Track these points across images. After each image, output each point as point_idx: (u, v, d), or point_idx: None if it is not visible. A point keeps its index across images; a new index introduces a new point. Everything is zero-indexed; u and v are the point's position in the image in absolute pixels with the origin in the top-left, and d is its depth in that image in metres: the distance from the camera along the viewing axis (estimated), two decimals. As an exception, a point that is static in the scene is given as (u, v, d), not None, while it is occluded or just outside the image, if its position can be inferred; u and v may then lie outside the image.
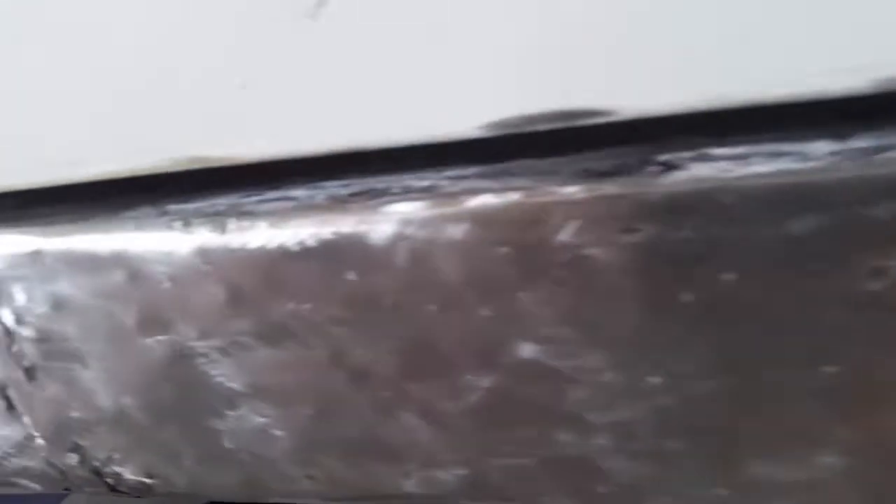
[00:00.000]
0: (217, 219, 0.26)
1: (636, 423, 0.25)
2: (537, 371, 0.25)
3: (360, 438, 0.28)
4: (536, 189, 0.23)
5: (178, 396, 0.29)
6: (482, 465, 0.28)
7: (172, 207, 0.27)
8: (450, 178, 0.24)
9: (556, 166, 0.23)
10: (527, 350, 0.25)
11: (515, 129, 0.22)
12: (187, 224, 0.26)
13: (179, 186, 0.27)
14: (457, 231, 0.24)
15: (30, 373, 0.30)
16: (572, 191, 0.22)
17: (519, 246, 0.23)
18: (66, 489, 0.36)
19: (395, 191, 0.25)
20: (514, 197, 0.23)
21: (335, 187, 0.25)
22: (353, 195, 0.25)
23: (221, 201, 0.26)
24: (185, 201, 0.27)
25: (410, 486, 0.29)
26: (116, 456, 0.32)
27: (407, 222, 0.24)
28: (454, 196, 0.24)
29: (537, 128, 0.22)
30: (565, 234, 0.23)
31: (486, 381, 0.26)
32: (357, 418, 0.28)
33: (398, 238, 0.24)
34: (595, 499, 0.27)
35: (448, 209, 0.24)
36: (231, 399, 0.28)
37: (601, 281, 0.23)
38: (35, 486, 0.36)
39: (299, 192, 0.26)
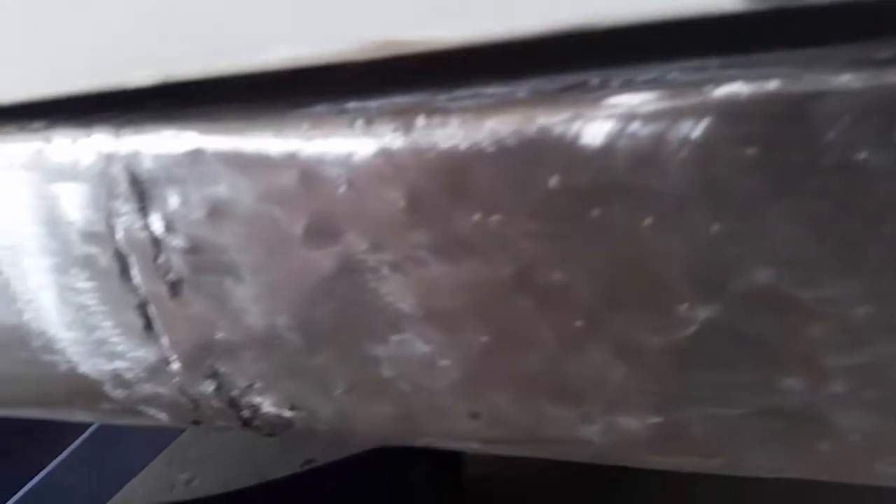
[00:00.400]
0: (403, 116, 0.23)
1: (882, 368, 0.21)
2: (771, 302, 0.21)
3: (539, 374, 0.25)
4: (801, 77, 0.19)
5: (339, 317, 0.26)
6: (680, 413, 0.24)
7: (352, 105, 0.24)
8: (684, 69, 0.21)
9: (821, 56, 0.20)
10: (762, 276, 0.21)
11: (785, 2, 0.19)
12: (370, 122, 0.23)
13: (360, 82, 0.24)
14: (693, 128, 0.20)
15: (175, 288, 0.28)
16: (846, 80, 0.19)
17: (772, 146, 0.20)
18: (194, 422, 0.34)
19: (614, 84, 0.21)
20: (772, 85, 0.19)
21: (539, 82, 0.22)
22: (563, 89, 0.22)
23: (406, 99, 0.24)
24: (367, 98, 0.24)
25: (589, 432, 0.26)
26: (258, 384, 0.30)
27: (630, 117, 0.21)
28: (693, 86, 0.20)
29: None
30: (833, 133, 0.19)
31: (704, 313, 0.22)
32: (539, 350, 0.25)
33: (618, 136, 0.21)
34: (815, 459, 0.24)
35: (685, 101, 0.20)
36: (396, 322, 0.26)
37: (872, 191, 0.19)
38: (162, 417, 0.34)
39: (495, 89, 0.23)
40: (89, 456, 0.90)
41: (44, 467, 0.91)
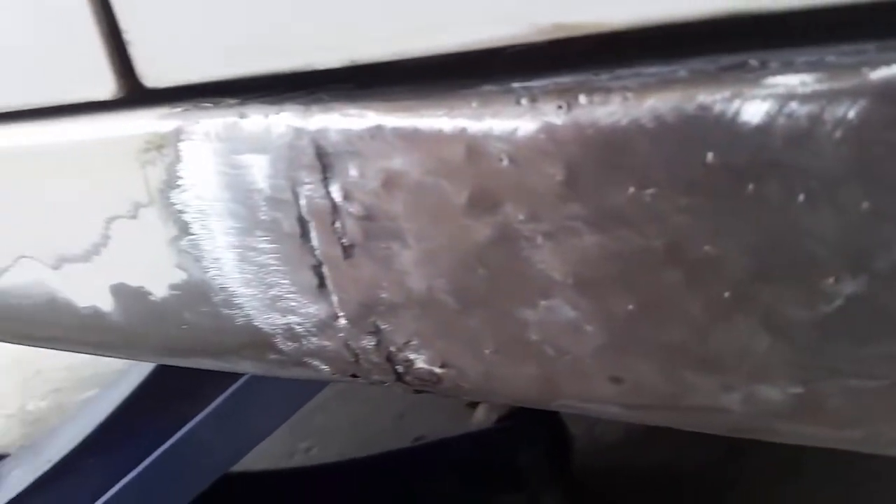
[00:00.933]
0: (566, 95, 0.25)
1: None
2: (921, 277, 0.22)
3: (683, 343, 0.27)
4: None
5: (492, 281, 0.29)
6: (821, 384, 0.25)
7: (516, 85, 0.26)
8: (842, 52, 0.22)
9: None
10: (914, 252, 0.22)
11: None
12: (534, 100, 0.26)
13: (523, 64, 0.27)
14: (849, 109, 0.21)
15: (348, 251, 0.31)
16: None
17: (931, 126, 0.20)
18: (352, 375, 0.37)
19: (773, 65, 0.23)
20: (934, 68, 0.20)
21: (699, 62, 0.24)
22: (723, 69, 0.23)
23: (568, 79, 0.26)
24: (531, 79, 0.26)
25: (730, 400, 0.27)
26: (415, 342, 0.33)
27: (789, 97, 0.22)
28: (851, 68, 0.21)
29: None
30: None
31: (849, 287, 0.23)
32: (685, 320, 0.26)
33: (776, 115, 0.22)
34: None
35: (843, 83, 0.21)
36: (546, 288, 0.28)
37: None
38: (324, 369, 0.37)
39: (656, 69, 0.24)
40: (228, 415, 0.98)
41: (186, 423, 0.99)
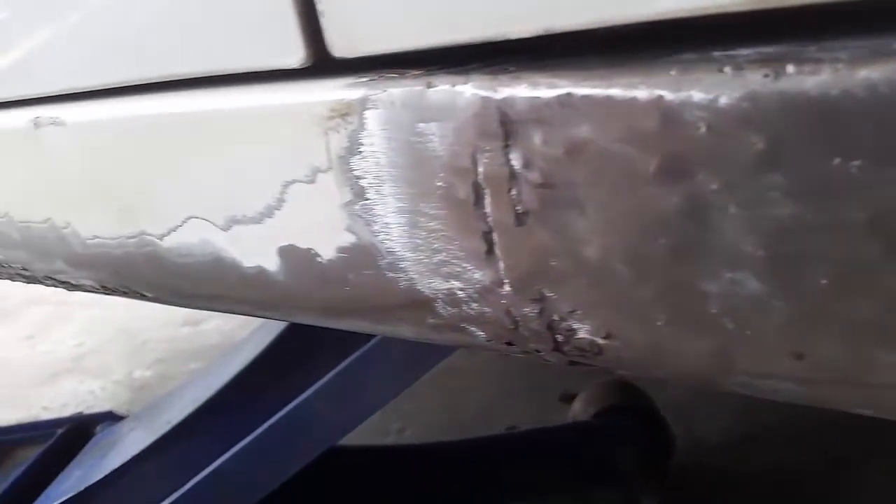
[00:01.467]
0: (774, 64, 0.25)
1: None
2: None
3: (875, 318, 0.26)
4: None
5: (675, 251, 0.29)
6: None
7: (718, 54, 0.26)
8: None
9: None
10: None
11: None
12: (738, 69, 0.26)
13: (721, 34, 0.27)
14: None
15: (521, 218, 0.32)
16: None
17: None
18: (508, 342, 0.38)
19: None
20: None
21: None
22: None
23: (773, 49, 0.26)
24: (731, 48, 0.26)
25: (922, 380, 0.27)
26: (580, 311, 0.33)
27: None
28: None
29: None
30: None
31: None
32: (879, 295, 0.26)
33: None
34: None
35: None
36: (734, 259, 0.28)
37: None
38: (480, 335, 0.38)
39: (863, 42, 0.24)
40: (341, 388, 1.01)
41: (300, 394, 1.02)
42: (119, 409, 1.83)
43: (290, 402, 1.03)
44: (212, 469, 1.02)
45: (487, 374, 1.84)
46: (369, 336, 1.04)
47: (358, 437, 1.22)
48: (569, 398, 1.57)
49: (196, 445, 1.07)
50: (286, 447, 1.03)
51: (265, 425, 1.03)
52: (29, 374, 2.44)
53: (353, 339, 1.05)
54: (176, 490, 1.02)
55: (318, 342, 1.12)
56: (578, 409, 1.38)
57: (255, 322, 2.45)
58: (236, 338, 2.37)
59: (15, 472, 1.16)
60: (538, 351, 0.37)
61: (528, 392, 1.75)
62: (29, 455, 1.22)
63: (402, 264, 0.38)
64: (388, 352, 1.03)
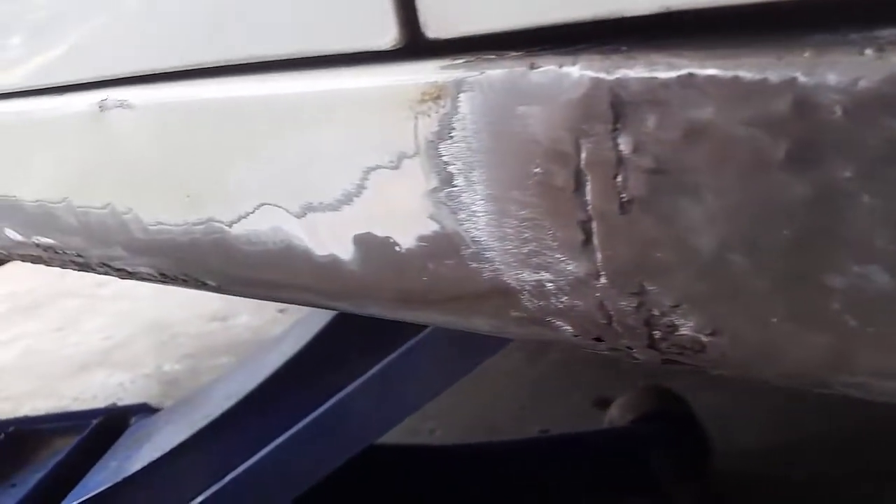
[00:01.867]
0: (923, 44, 0.24)
1: None
2: None
3: None
4: None
5: (799, 243, 0.28)
6: None
7: (856, 36, 0.25)
8: None
9: None
10: None
11: None
12: (880, 50, 0.24)
13: (861, 14, 0.25)
14: None
15: (625, 206, 0.31)
16: None
17: None
18: (596, 339, 0.37)
19: None
20: None
21: None
22: None
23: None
24: (872, 29, 0.25)
25: None
26: (684, 306, 0.32)
27: None
28: None
29: None
30: None
31: None
32: None
33: None
34: None
35: None
36: (863, 253, 0.26)
37: None
38: (567, 330, 0.37)
39: None
40: (380, 387, 1.00)
41: (340, 390, 1.02)
42: (149, 402, 1.83)
43: (329, 398, 1.02)
44: (249, 464, 1.02)
45: (519, 378, 1.82)
46: (409, 334, 1.03)
47: (388, 436, 1.21)
48: (604, 403, 1.55)
49: (234, 440, 1.07)
50: (324, 444, 1.02)
51: (304, 421, 1.02)
52: (58, 366, 2.46)
53: (392, 337, 1.05)
54: (213, 484, 1.01)
55: (357, 339, 1.11)
56: (616, 415, 1.36)
57: (286, 319, 2.45)
58: (266, 334, 2.37)
59: (52, 461, 1.16)
60: (630, 348, 0.36)
61: (560, 396, 1.73)
62: (64, 444, 1.22)
63: (488, 254, 0.37)
64: (428, 351, 1.02)
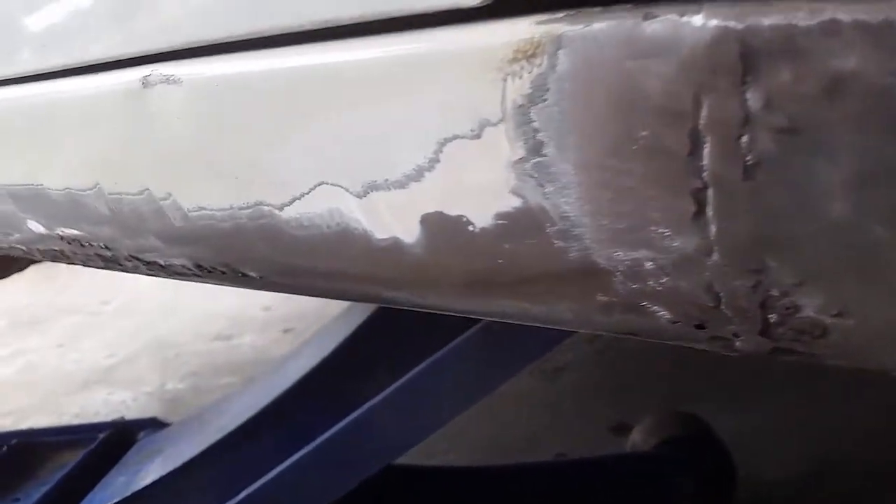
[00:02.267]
0: None
1: None
2: None
3: None
4: None
5: (960, 207, 0.25)
6: None
7: None
8: None
9: None
10: None
11: None
12: None
13: None
14: None
15: (750, 170, 0.28)
16: None
17: None
18: (698, 325, 0.33)
19: None
20: None
21: None
22: None
23: None
24: None
25: None
26: (808, 284, 0.29)
27: None
28: None
29: None
30: None
31: None
32: None
33: None
34: None
35: None
36: None
37: None
38: (663, 315, 0.34)
39: None
40: (401, 404, 0.96)
41: (359, 406, 0.98)
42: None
43: (348, 414, 0.99)
44: (262, 483, 0.98)
45: (534, 402, 1.78)
46: (433, 348, 1.00)
47: (402, 457, 1.17)
48: (622, 429, 1.51)
49: (249, 455, 1.03)
50: (343, 462, 0.98)
51: (321, 438, 0.98)
52: (60, 382, 2.42)
53: (415, 351, 1.01)
54: (226, 500, 0.97)
55: (378, 355, 1.08)
56: (638, 440, 1.32)
57: (291, 339, 2.41)
58: (270, 354, 2.33)
59: (57, 475, 1.11)
60: (735, 335, 0.33)
61: (576, 422, 1.69)
62: (70, 458, 1.18)
63: (577, 231, 0.34)
64: (453, 366, 0.99)
